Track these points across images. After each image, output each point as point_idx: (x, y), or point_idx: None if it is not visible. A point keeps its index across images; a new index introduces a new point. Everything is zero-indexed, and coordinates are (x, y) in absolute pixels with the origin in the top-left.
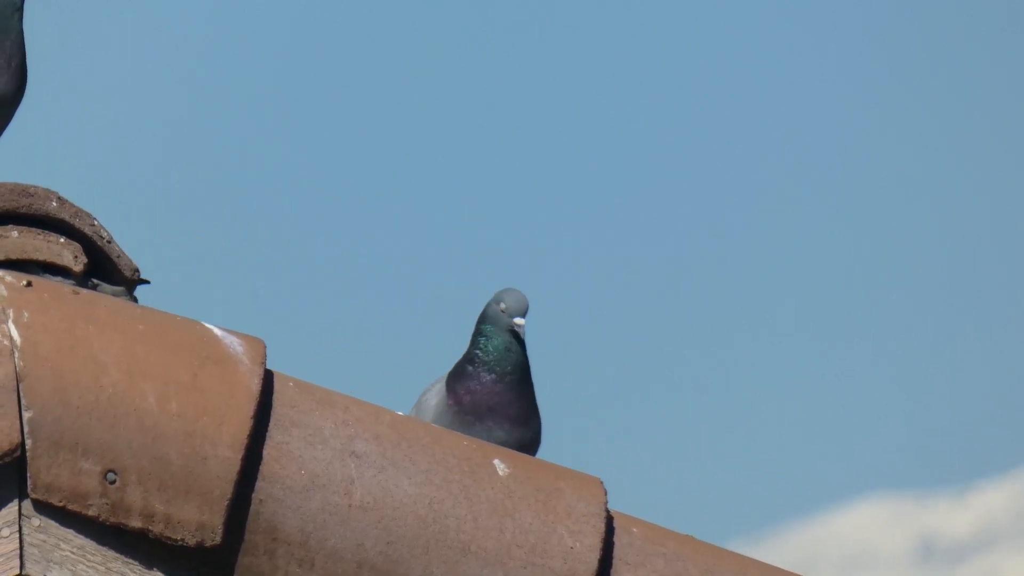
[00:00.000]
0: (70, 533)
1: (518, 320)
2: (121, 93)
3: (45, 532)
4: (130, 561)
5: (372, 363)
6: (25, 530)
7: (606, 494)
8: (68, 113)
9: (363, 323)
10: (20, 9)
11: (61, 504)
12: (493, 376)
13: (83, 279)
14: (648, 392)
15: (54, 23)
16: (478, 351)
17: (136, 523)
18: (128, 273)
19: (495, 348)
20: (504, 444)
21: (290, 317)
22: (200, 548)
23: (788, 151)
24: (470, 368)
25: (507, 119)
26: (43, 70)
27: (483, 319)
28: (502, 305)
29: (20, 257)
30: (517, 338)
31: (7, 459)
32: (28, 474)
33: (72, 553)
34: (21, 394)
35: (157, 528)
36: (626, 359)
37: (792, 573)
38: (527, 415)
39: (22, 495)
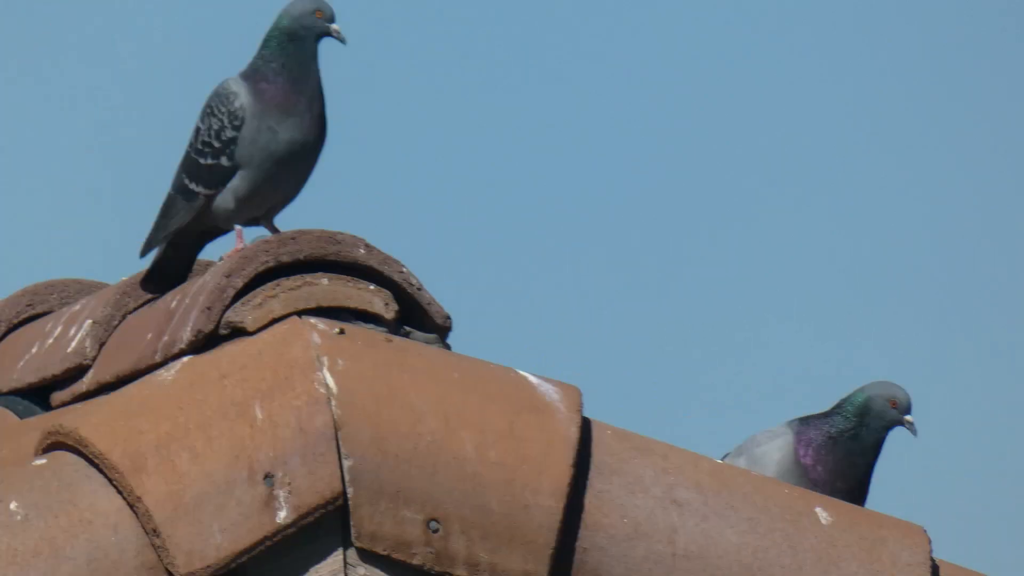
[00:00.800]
0: None
1: (909, 417)
2: (421, 139)
3: None
4: None
5: (682, 407)
6: None
7: (930, 543)
8: (374, 158)
9: (672, 366)
10: (317, 55)
11: (385, 553)
12: (853, 457)
13: (395, 326)
14: None
15: (362, 78)
16: (845, 429)
17: (461, 572)
18: (439, 320)
19: (864, 437)
20: None
21: (601, 361)
22: None
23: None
24: (829, 441)
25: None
26: (350, 115)
27: (866, 409)
28: (893, 400)
29: (331, 304)
30: (884, 433)
31: (329, 508)
32: (351, 523)
33: None
34: (340, 442)
35: None
36: None
37: None
38: (862, 501)
39: (346, 544)
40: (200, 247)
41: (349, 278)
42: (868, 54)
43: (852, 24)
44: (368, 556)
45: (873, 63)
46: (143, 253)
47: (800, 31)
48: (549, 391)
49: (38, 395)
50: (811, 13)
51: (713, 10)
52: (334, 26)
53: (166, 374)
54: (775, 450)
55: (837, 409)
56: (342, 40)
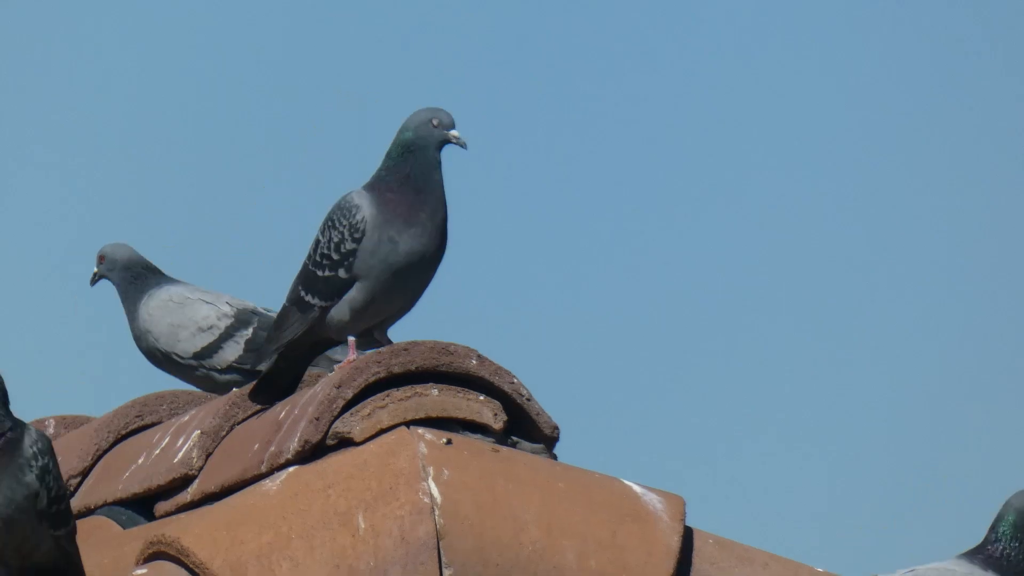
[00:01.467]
0: None
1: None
2: (537, 250)
3: None
4: None
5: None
6: None
7: None
8: (483, 270)
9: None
10: (439, 164)
11: None
12: None
13: (502, 436)
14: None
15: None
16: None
17: None
18: (547, 430)
19: None
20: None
21: (707, 470)
22: None
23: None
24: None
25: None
26: (467, 225)
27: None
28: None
29: (440, 415)
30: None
31: None
32: None
33: None
34: (441, 552)
35: None
36: None
37: None
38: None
39: None
40: (311, 358)
41: (459, 389)
42: (868, 53)
43: (851, 23)
44: None
45: (873, 62)
46: (254, 365)
47: (798, 30)
48: (653, 500)
49: (142, 505)
50: (810, 12)
51: (712, 9)
52: (452, 132)
53: (271, 484)
54: None
55: (994, 535)
56: (462, 145)
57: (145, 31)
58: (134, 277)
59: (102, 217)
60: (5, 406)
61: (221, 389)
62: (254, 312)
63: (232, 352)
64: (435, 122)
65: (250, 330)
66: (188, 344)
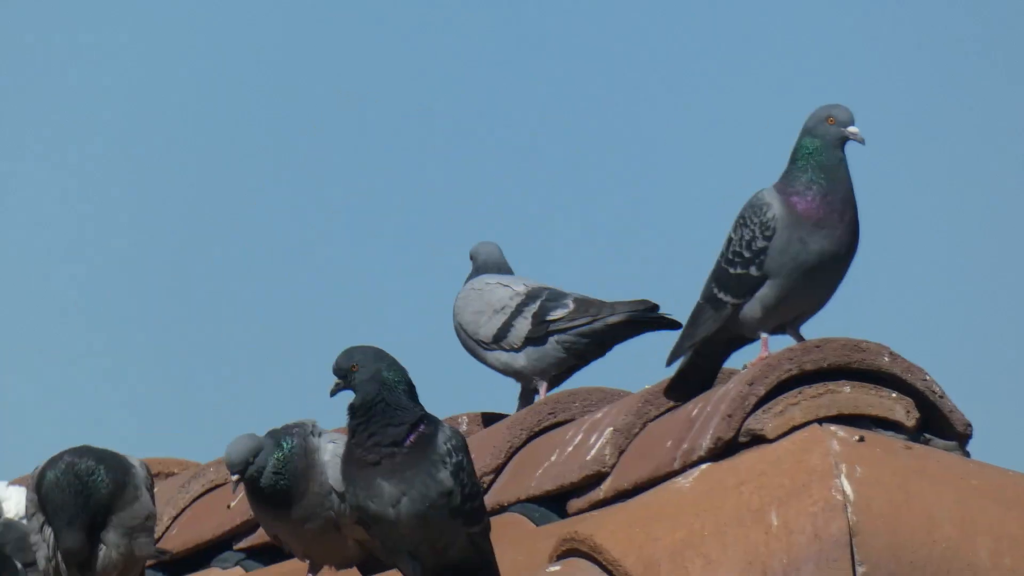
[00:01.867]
0: None
1: (852, 129)
2: (948, 247)
3: None
4: None
5: None
6: None
7: None
8: (894, 266)
9: None
10: (844, 162)
11: None
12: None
13: (915, 434)
14: None
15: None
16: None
17: None
18: (960, 428)
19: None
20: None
21: None
22: None
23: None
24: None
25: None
26: (876, 222)
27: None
28: (830, 117)
29: (852, 412)
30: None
31: None
32: None
33: None
34: (854, 549)
35: None
36: None
37: None
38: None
39: None
40: (726, 355)
41: (871, 386)
42: (866, 53)
43: (850, 22)
44: None
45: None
46: (669, 362)
47: (795, 29)
48: None
49: (555, 502)
50: (808, 11)
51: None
52: (850, 129)
53: (683, 481)
54: None
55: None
56: (860, 141)
57: (145, 31)
58: (474, 274)
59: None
60: (415, 401)
61: (522, 377)
62: (544, 288)
63: (522, 328)
64: (831, 119)
65: (537, 304)
66: (487, 328)
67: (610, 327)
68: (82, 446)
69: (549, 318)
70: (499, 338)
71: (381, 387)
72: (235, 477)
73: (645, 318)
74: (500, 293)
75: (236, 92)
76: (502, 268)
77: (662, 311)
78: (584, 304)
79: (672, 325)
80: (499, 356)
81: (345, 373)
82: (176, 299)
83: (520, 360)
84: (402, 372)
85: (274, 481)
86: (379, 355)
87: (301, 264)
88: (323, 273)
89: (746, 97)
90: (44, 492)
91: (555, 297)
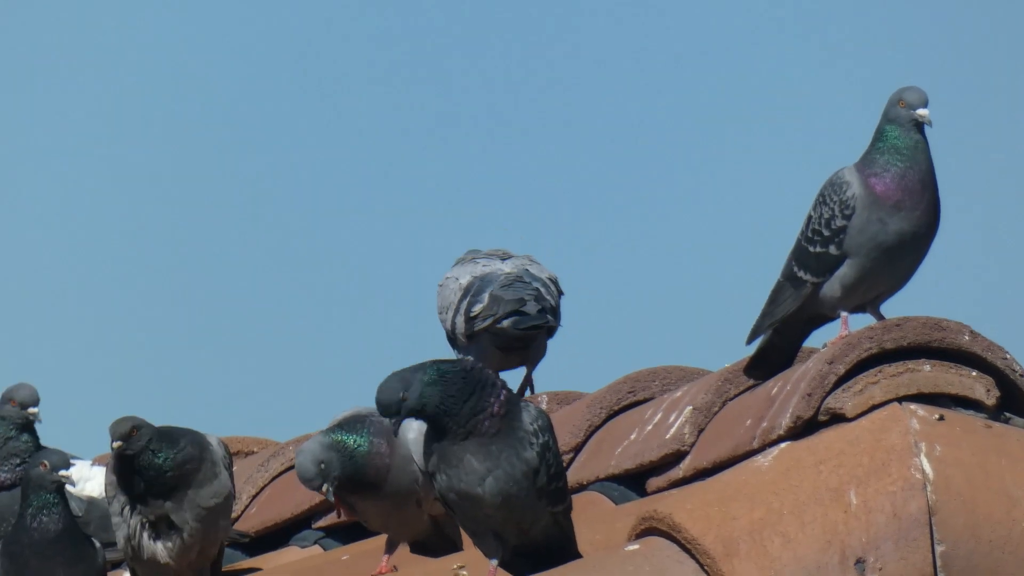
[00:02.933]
0: None
1: (922, 111)
2: None
3: None
4: None
5: None
6: None
7: None
8: (969, 244)
9: None
10: (923, 145)
11: None
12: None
13: (995, 412)
14: None
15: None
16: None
17: None
18: None
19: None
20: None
21: None
22: None
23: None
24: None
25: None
26: (956, 201)
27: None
28: (902, 101)
29: (931, 391)
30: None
31: None
32: None
33: None
34: (933, 528)
35: None
36: None
37: None
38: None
39: None
40: (806, 334)
41: (952, 364)
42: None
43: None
44: None
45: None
46: (749, 340)
47: (793, 27)
48: None
49: (634, 481)
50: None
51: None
52: (918, 112)
53: (762, 460)
54: None
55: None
56: (927, 124)
57: (144, 31)
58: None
59: None
60: (475, 387)
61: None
62: (479, 278)
63: (460, 324)
64: (902, 103)
65: (467, 298)
66: (447, 325)
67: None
68: (160, 426)
69: (471, 314)
70: (453, 338)
71: (442, 386)
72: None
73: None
74: (450, 288)
75: (241, 83)
76: (496, 250)
77: (530, 315)
78: (496, 299)
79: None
80: (460, 353)
81: (398, 407)
82: (253, 278)
83: (470, 357)
84: (439, 368)
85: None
86: (410, 375)
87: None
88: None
89: (747, 98)
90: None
91: (479, 290)
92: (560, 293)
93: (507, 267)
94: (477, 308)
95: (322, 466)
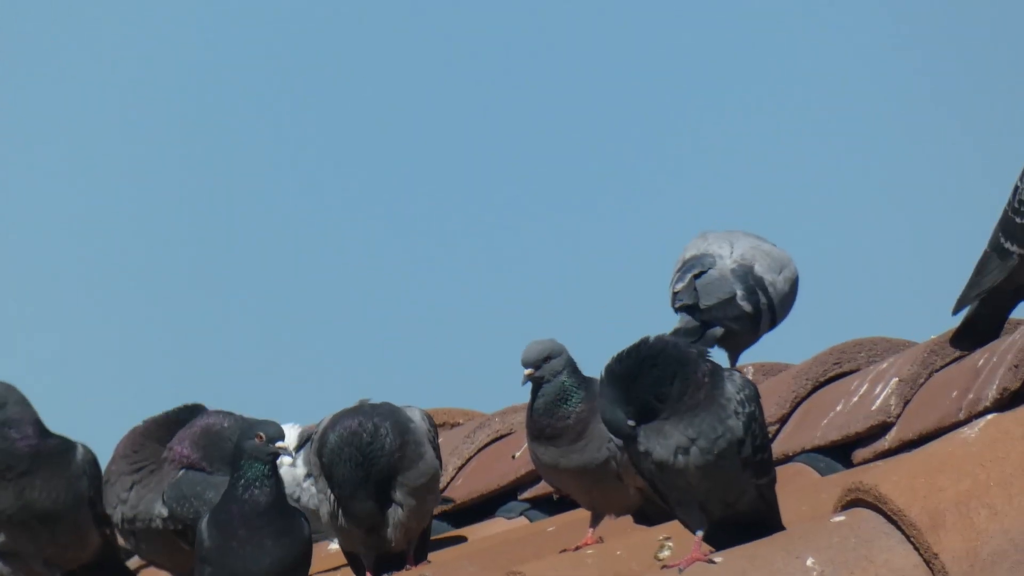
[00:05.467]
0: None
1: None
2: None
3: None
4: None
5: None
6: None
7: None
8: None
9: None
10: None
11: None
12: None
13: None
14: None
15: None
16: None
17: None
18: None
19: None
20: None
21: None
22: None
23: None
24: None
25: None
26: None
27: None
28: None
29: None
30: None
31: None
32: None
33: None
34: None
35: None
36: None
37: None
38: None
39: None
40: (1012, 305)
41: None
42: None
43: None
44: None
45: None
46: (955, 311)
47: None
48: None
49: (840, 452)
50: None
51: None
52: None
53: (969, 432)
54: None
55: None
56: None
57: (144, 30)
58: None
59: None
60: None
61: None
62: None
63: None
64: None
65: (687, 277)
66: None
67: None
68: (360, 405)
69: (674, 290)
70: None
71: (649, 376)
72: (528, 371)
73: None
74: (677, 259)
75: (234, 91)
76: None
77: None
78: (688, 289)
79: None
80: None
81: (628, 429)
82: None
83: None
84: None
85: (558, 392)
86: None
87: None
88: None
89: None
90: (327, 461)
91: (688, 269)
92: (773, 297)
93: (729, 255)
94: (679, 287)
95: (549, 358)
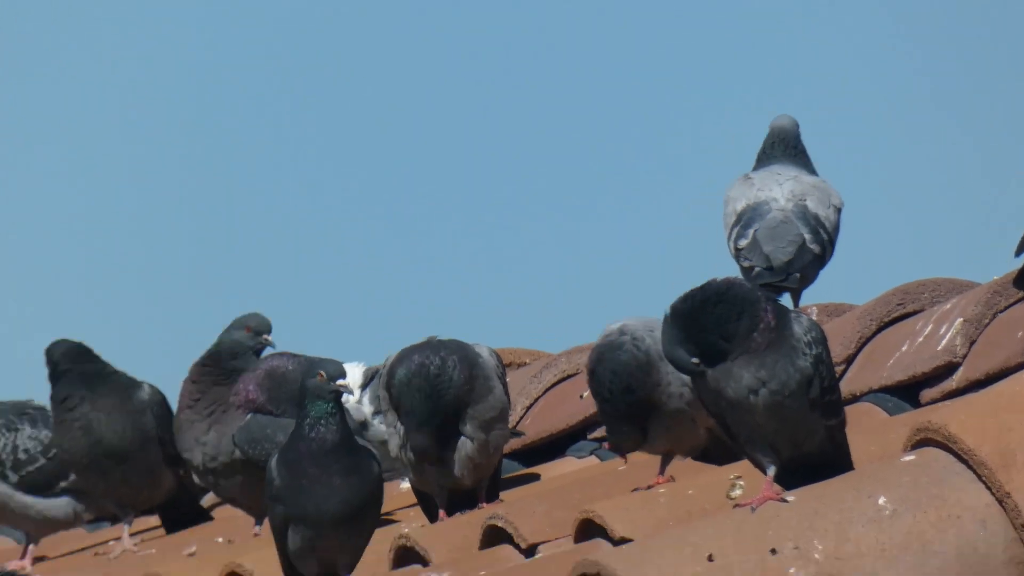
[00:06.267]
0: None
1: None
2: None
3: None
4: None
5: None
6: None
7: None
8: None
9: None
10: None
11: None
12: None
13: None
14: None
15: None
16: None
17: None
18: None
19: None
20: None
21: None
22: None
23: None
24: None
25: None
26: None
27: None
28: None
29: None
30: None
31: None
32: None
33: None
34: None
35: None
36: None
37: None
38: None
39: None
40: None
41: None
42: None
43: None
44: None
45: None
46: (1018, 252)
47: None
48: None
49: (907, 392)
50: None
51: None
52: None
53: None
54: None
55: None
56: None
57: (144, 30)
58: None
59: None
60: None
61: None
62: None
63: (732, 249)
64: None
65: (749, 232)
66: None
67: None
68: (430, 340)
69: (739, 246)
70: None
71: (713, 316)
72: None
73: None
74: (726, 212)
75: (233, 90)
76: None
77: None
78: (754, 246)
79: None
80: None
81: (695, 367)
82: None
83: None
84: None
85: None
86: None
87: None
88: None
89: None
90: (395, 393)
91: (748, 223)
92: (835, 230)
93: (783, 196)
94: (742, 243)
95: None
